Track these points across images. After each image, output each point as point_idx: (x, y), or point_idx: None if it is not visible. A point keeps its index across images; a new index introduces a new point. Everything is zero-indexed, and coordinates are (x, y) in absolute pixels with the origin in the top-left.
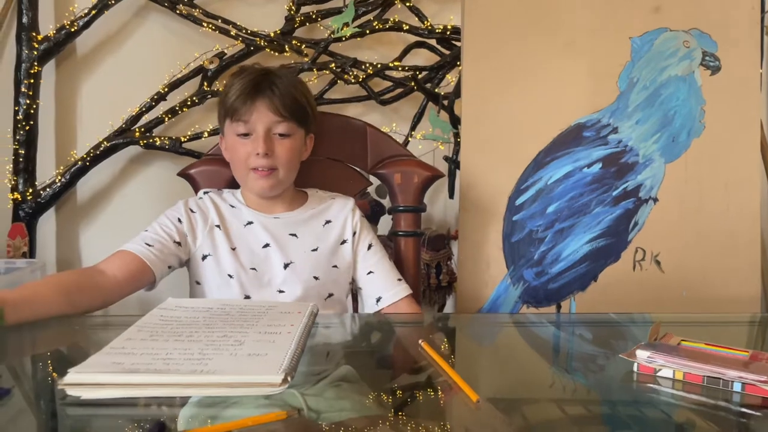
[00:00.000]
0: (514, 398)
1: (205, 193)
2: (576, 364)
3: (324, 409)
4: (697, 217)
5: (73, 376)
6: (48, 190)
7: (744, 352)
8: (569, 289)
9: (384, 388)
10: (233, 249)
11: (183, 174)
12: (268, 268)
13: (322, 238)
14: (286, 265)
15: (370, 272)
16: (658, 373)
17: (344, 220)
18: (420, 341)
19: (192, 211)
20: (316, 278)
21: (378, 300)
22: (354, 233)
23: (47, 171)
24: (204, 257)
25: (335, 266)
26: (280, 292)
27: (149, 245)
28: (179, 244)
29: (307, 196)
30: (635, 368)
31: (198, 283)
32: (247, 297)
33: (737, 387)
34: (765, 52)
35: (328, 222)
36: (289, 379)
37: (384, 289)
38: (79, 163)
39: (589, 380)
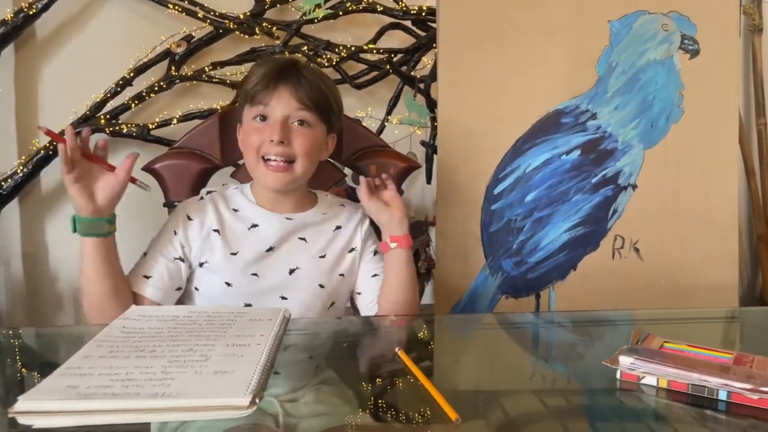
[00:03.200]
0: (492, 405)
1: (208, 193)
2: (558, 372)
3: (303, 415)
4: (676, 203)
5: (23, 403)
6: (9, 181)
7: (728, 354)
8: (548, 279)
9: (363, 392)
10: (233, 254)
11: (148, 168)
12: (271, 273)
13: (331, 244)
14: (291, 271)
15: (375, 275)
16: (642, 381)
17: (354, 227)
18: (396, 349)
19: (189, 218)
20: (321, 286)
21: (371, 302)
22: (364, 241)
23: (8, 161)
24: (201, 264)
25: (341, 274)
26: (283, 298)
27: (157, 288)
28: (182, 260)
29: (317, 198)
30: (618, 375)
31: (197, 288)
32: (248, 305)
33: (722, 395)
34: (742, 32)
35: (338, 228)
36: (257, 401)
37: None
38: (42, 152)
39: (572, 389)
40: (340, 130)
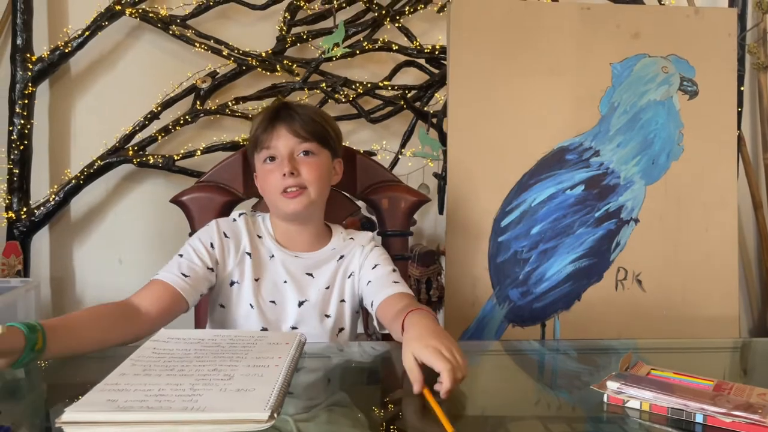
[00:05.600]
0: (489, 424)
1: (240, 214)
2: (553, 395)
3: None
4: (677, 237)
5: (69, 414)
6: (42, 208)
7: (709, 382)
8: (553, 308)
9: (371, 413)
10: (257, 280)
11: (175, 201)
12: (285, 304)
13: (335, 274)
14: (300, 303)
15: (369, 281)
16: (627, 404)
17: (356, 253)
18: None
19: (226, 236)
20: (327, 316)
21: (372, 304)
22: (361, 263)
23: (41, 190)
24: (232, 283)
25: (342, 300)
26: (293, 328)
27: (185, 275)
28: (211, 270)
29: (332, 234)
30: (605, 399)
31: (222, 306)
32: (265, 329)
33: (699, 418)
34: (747, 70)
35: (341, 257)
36: (275, 415)
37: (377, 291)
38: (73, 181)
39: (563, 411)
40: (344, 155)
